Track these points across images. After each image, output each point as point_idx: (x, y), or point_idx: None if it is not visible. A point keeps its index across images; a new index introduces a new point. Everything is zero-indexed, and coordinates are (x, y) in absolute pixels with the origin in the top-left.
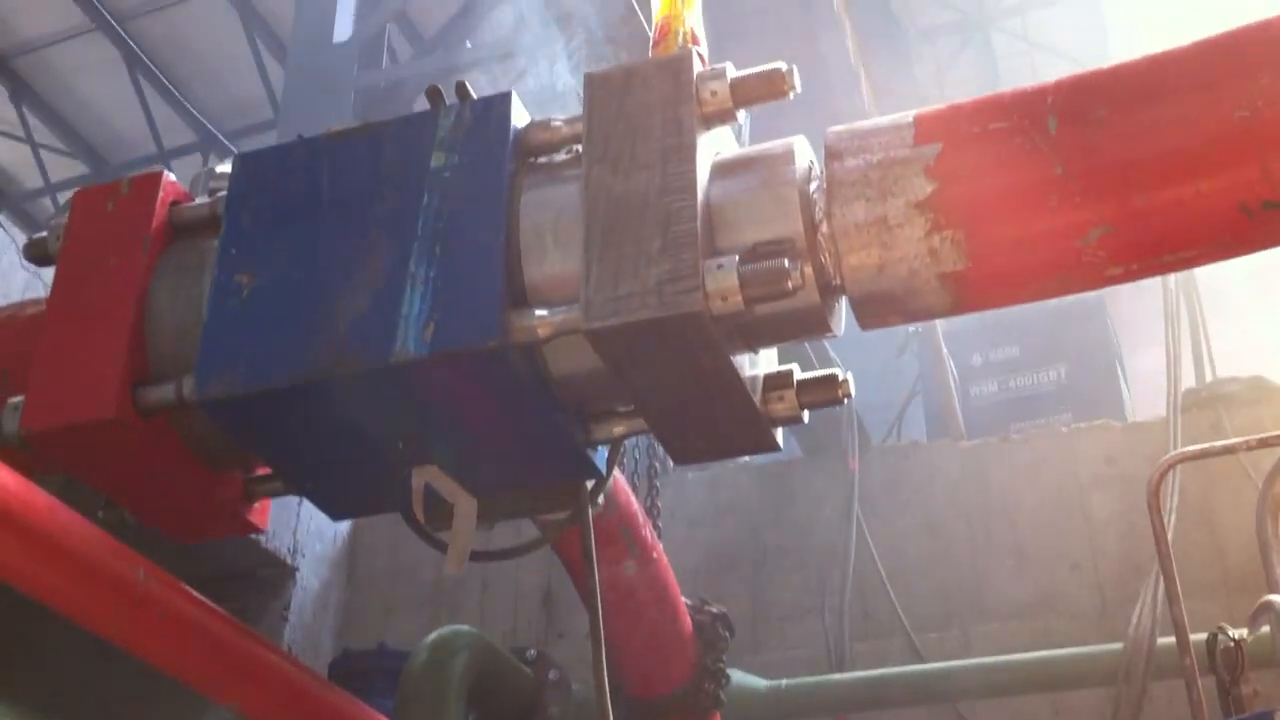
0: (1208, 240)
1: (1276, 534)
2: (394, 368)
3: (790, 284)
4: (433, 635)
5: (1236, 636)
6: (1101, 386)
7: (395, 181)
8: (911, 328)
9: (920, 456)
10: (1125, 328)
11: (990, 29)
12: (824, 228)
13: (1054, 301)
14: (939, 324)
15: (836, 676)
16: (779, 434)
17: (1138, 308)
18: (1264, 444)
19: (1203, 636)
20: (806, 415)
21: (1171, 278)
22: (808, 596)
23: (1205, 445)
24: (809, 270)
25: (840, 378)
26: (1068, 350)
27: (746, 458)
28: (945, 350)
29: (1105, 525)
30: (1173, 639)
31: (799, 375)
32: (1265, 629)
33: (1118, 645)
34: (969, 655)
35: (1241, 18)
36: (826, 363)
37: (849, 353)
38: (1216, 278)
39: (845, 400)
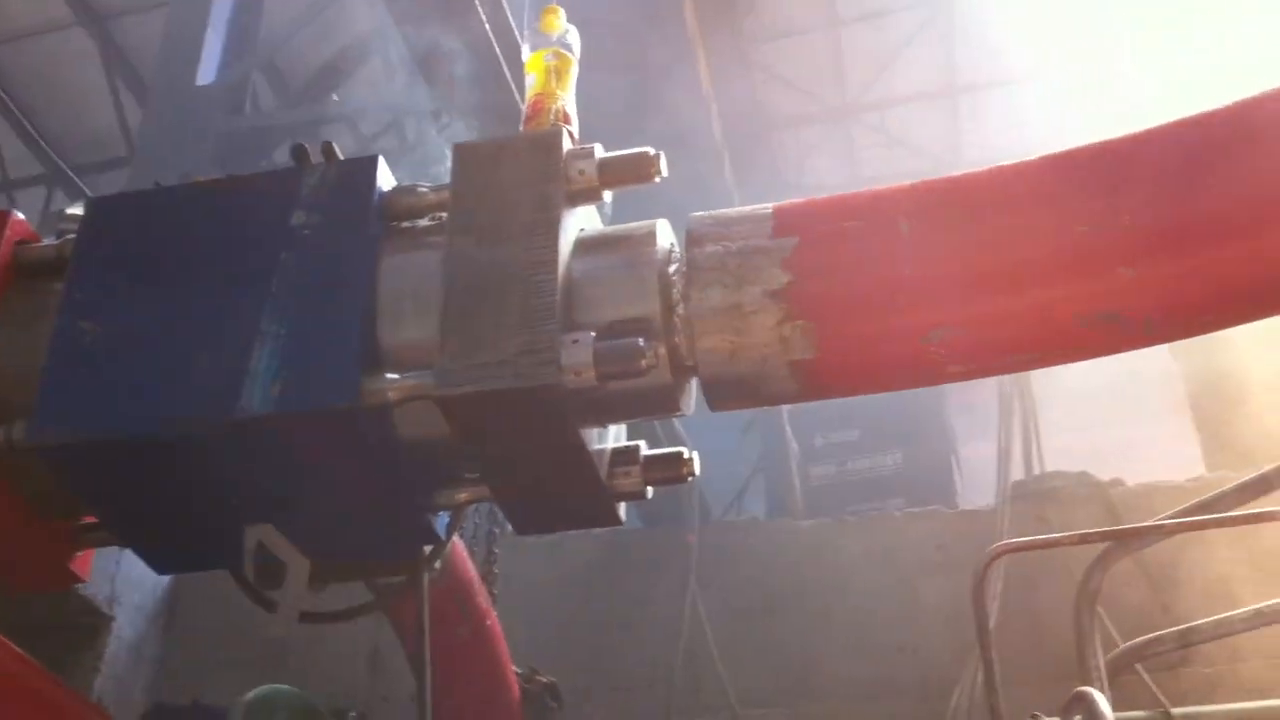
0: (1045, 346)
1: (1093, 627)
2: (237, 424)
3: (644, 363)
4: (250, 694)
5: None
6: (935, 474)
7: (253, 236)
8: None
9: (759, 533)
10: (961, 418)
11: (850, 122)
12: (681, 310)
13: None
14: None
15: None
16: (622, 508)
17: (975, 400)
18: (1085, 540)
19: None
20: (650, 491)
21: (1007, 375)
22: (640, 668)
23: (1029, 539)
24: (663, 350)
25: (685, 455)
26: (905, 437)
27: None
28: (789, 430)
29: (933, 610)
30: None
31: (645, 451)
32: (1077, 718)
33: None
34: None
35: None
36: (674, 438)
37: (695, 427)
38: (1051, 376)
39: (690, 478)
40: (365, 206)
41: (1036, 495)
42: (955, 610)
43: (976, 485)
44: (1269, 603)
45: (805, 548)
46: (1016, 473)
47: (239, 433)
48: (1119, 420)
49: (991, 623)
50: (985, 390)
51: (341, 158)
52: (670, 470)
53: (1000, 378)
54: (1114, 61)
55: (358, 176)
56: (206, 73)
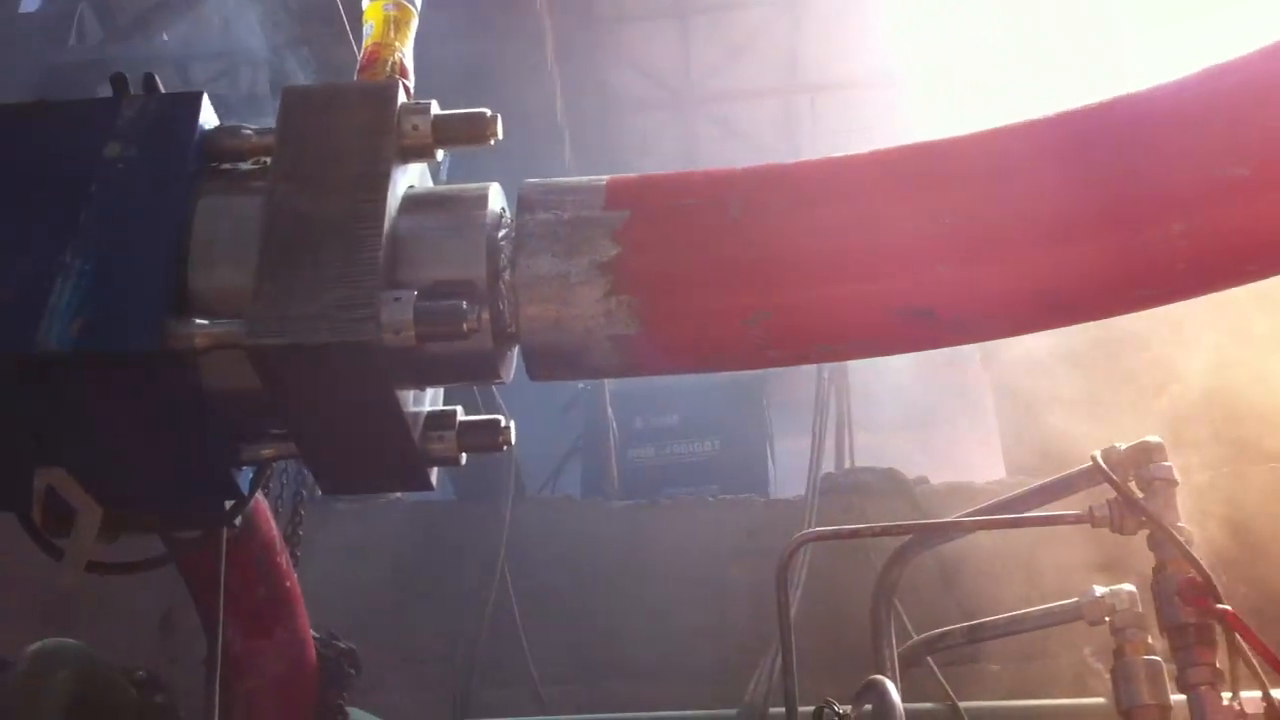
0: (861, 337)
1: (889, 618)
2: (31, 360)
3: (465, 326)
4: (35, 646)
5: (841, 711)
6: (751, 463)
7: (64, 166)
8: (581, 384)
9: (573, 511)
10: (780, 412)
11: (693, 112)
12: (507, 276)
13: (718, 376)
14: (607, 384)
15: None
16: (434, 474)
17: (794, 396)
18: (886, 532)
19: (811, 709)
20: (464, 458)
21: (825, 370)
22: (443, 640)
23: (833, 529)
24: (486, 315)
25: (502, 424)
26: (724, 425)
27: (399, 495)
28: (610, 411)
29: (739, 595)
30: (784, 709)
31: (461, 417)
32: (869, 707)
33: (733, 711)
34: (593, 711)
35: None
36: (494, 409)
37: (515, 402)
38: (869, 377)
39: (505, 447)
40: (184, 144)
41: (845, 489)
42: (760, 597)
43: (789, 478)
44: (1060, 603)
45: (618, 528)
46: (828, 467)
47: (33, 369)
48: (930, 423)
49: (794, 610)
50: (805, 387)
51: (163, 91)
52: (486, 438)
53: (819, 373)
54: (965, 70)
55: (178, 112)
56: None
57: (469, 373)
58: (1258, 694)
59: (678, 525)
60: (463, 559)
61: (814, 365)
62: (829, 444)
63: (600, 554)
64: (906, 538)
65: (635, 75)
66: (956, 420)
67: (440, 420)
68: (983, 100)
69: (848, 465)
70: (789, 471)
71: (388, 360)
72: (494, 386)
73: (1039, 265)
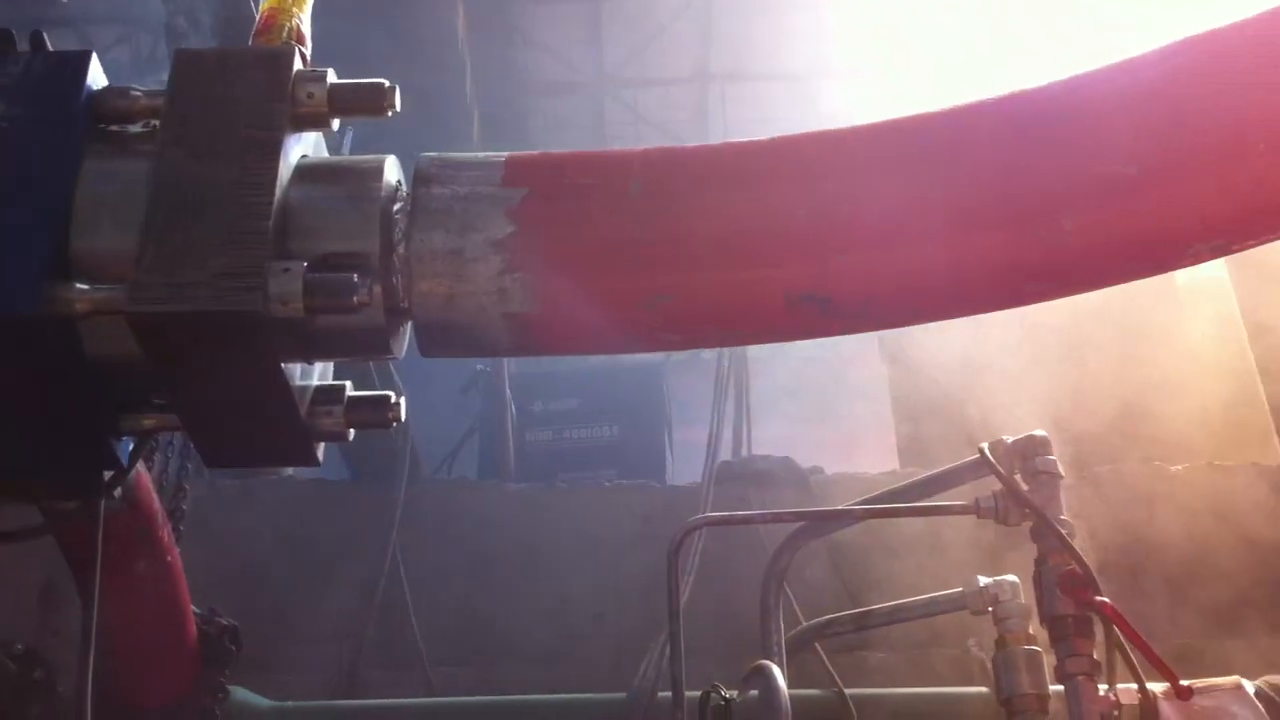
0: (757, 323)
1: (778, 604)
2: None
3: (356, 299)
4: None
5: (727, 695)
6: (649, 450)
7: None
8: (479, 365)
9: (468, 493)
10: (680, 399)
11: (604, 97)
12: (401, 249)
13: (618, 363)
14: (506, 366)
15: (343, 702)
16: (322, 450)
17: (694, 385)
18: (778, 518)
19: (699, 693)
20: (353, 433)
21: (725, 359)
22: (331, 621)
23: (726, 514)
24: (378, 289)
25: (392, 400)
26: (623, 411)
27: (291, 472)
28: (508, 393)
29: (633, 580)
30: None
31: (351, 392)
32: (754, 691)
33: (621, 695)
34: (483, 693)
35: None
36: (390, 388)
37: (414, 382)
38: (770, 369)
39: (395, 424)
40: (71, 103)
41: (741, 477)
42: (654, 582)
43: (687, 467)
44: (945, 592)
45: (513, 511)
46: (726, 455)
47: None
48: (829, 417)
49: (685, 596)
50: (706, 377)
51: (51, 49)
52: (375, 414)
53: (719, 362)
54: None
55: (66, 71)
56: None
57: (360, 347)
58: (1133, 685)
59: (574, 509)
60: (355, 539)
61: (714, 355)
62: (727, 433)
63: (495, 537)
64: (798, 524)
65: (547, 58)
66: (855, 414)
67: (329, 395)
68: (896, 96)
69: (745, 454)
70: (687, 460)
71: (274, 332)
72: (391, 366)
73: (933, 256)
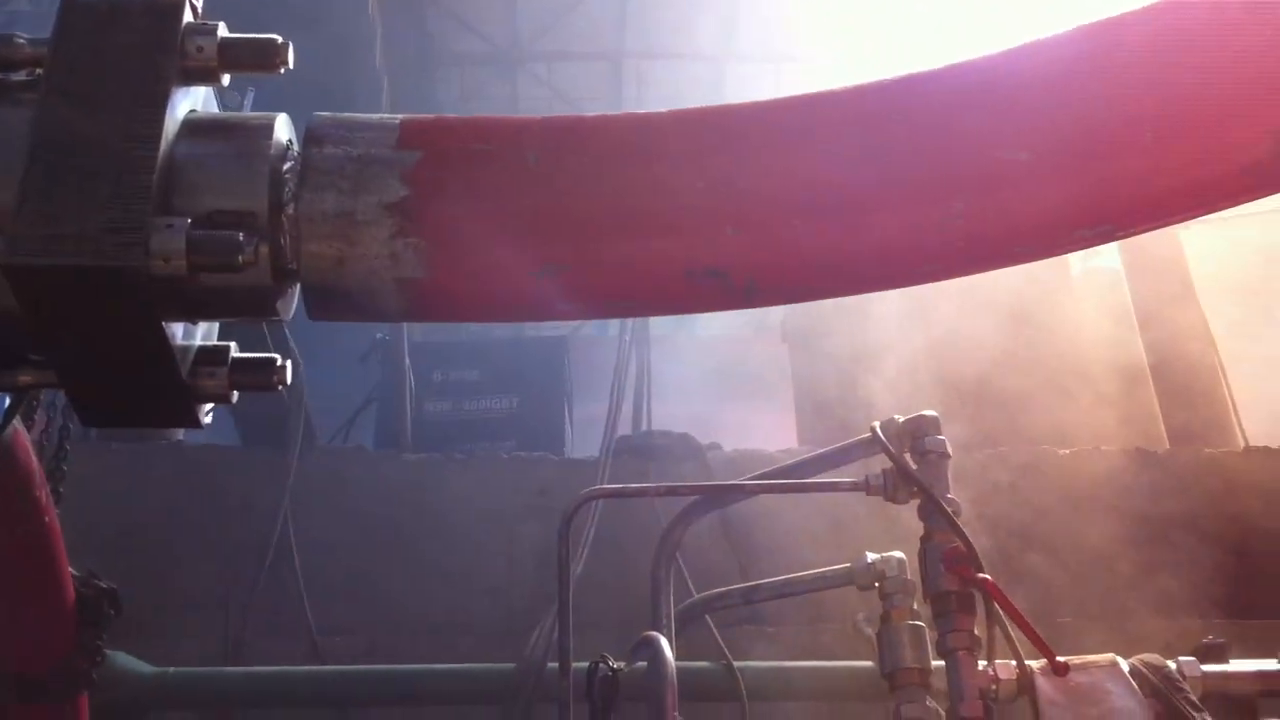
0: (653, 296)
1: (669, 577)
2: None
3: (241, 258)
4: None
5: (615, 666)
6: (548, 423)
7: None
8: (379, 333)
9: (363, 463)
10: (582, 377)
11: (517, 70)
12: (290, 210)
13: (520, 334)
14: (406, 335)
15: (227, 670)
16: (205, 412)
17: (597, 360)
18: (671, 491)
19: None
20: (236, 396)
21: (627, 333)
22: (219, 586)
23: (619, 486)
24: (265, 250)
25: (279, 363)
26: (523, 383)
27: (182, 435)
28: (408, 362)
29: (528, 552)
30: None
31: (235, 354)
32: (643, 663)
33: (511, 666)
34: (372, 663)
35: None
36: (285, 350)
37: (311, 349)
38: (671, 346)
39: (280, 387)
40: None
41: (639, 451)
42: (548, 554)
43: (586, 442)
44: (833, 567)
45: (409, 481)
46: (625, 430)
47: None
48: (731, 395)
49: (580, 569)
50: (608, 355)
51: None
52: (260, 376)
53: (620, 336)
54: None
55: None
56: None
57: (245, 308)
58: (1011, 661)
59: (470, 480)
60: (245, 506)
61: (616, 330)
62: (627, 409)
63: (390, 506)
64: (692, 498)
65: (461, 29)
66: (757, 394)
67: (212, 355)
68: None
69: (644, 429)
70: (587, 436)
71: (155, 289)
72: (287, 331)
73: (826, 235)
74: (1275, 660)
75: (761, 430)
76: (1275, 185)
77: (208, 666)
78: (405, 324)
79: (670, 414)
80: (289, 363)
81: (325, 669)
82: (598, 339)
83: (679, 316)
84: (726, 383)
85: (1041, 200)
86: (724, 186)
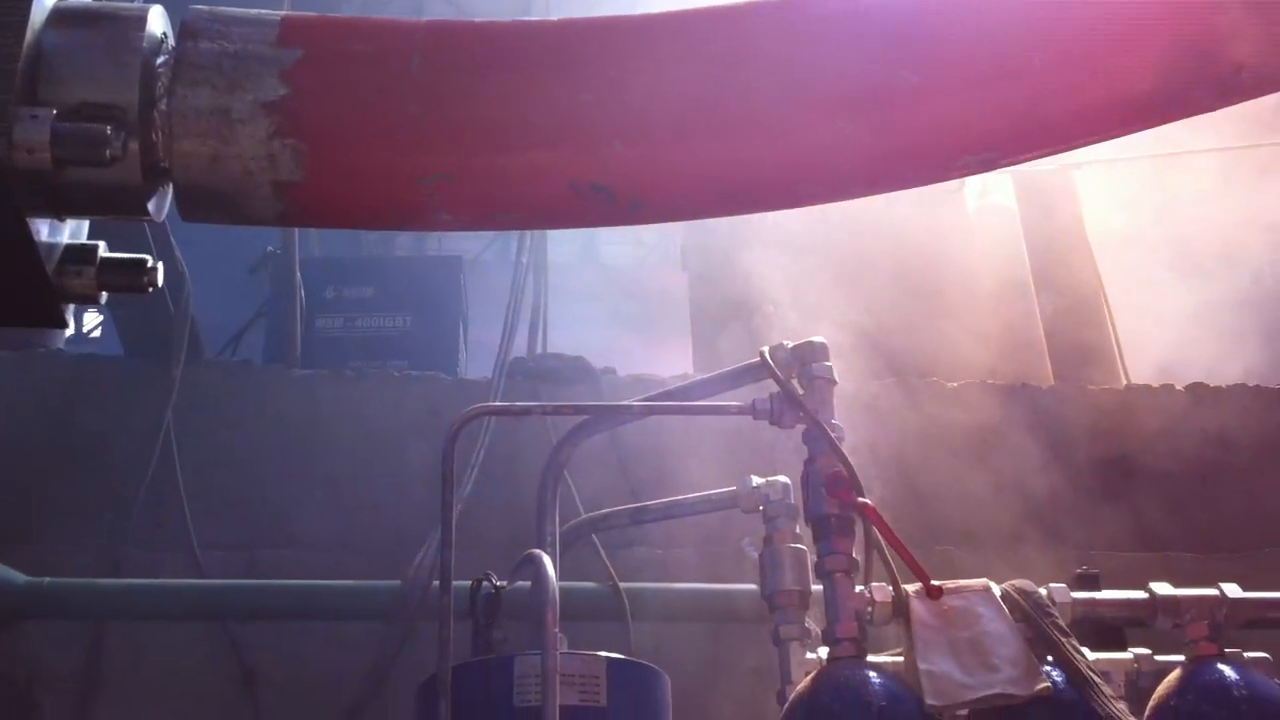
0: (537, 208)
1: (555, 497)
2: None
3: (108, 152)
4: None
5: (498, 584)
6: (442, 343)
7: None
8: (270, 246)
9: (251, 376)
10: (480, 300)
11: None
12: (162, 105)
13: (416, 253)
14: (297, 248)
15: (105, 581)
16: (70, 312)
17: (495, 285)
18: (558, 411)
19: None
20: (105, 297)
21: (525, 255)
22: (98, 499)
23: (505, 404)
24: (135, 145)
25: (149, 264)
26: (418, 302)
27: (62, 344)
28: (299, 276)
29: (416, 471)
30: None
31: (104, 254)
32: (528, 582)
33: (396, 583)
34: (254, 578)
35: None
36: (170, 264)
37: (199, 261)
38: (565, 275)
39: (150, 289)
40: None
41: (533, 374)
42: (437, 473)
43: (479, 366)
44: (718, 490)
45: (297, 397)
46: (520, 353)
47: None
48: (629, 323)
49: (469, 489)
50: (506, 281)
51: None
52: (130, 277)
53: (517, 258)
54: None
55: None
56: None
57: (114, 206)
58: (888, 585)
59: (360, 398)
60: (127, 418)
61: (514, 253)
62: (523, 335)
63: (277, 422)
64: (581, 418)
65: None
66: (655, 321)
67: (80, 255)
68: None
69: (539, 352)
70: (480, 360)
71: (19, 182)
72: (172, 240)
73: (711, 152)
74: (1144, 591)
75: (659, 359)
76: (1157, 116)
77: (85, 578)
78: (297, 238)
79: (568, 341)
80: (160, 265)
81: (205, 582)
82: (497, 264)
83: (582, 245)
84: (626, 312)
85: (928, 123)
86: (612, 100)
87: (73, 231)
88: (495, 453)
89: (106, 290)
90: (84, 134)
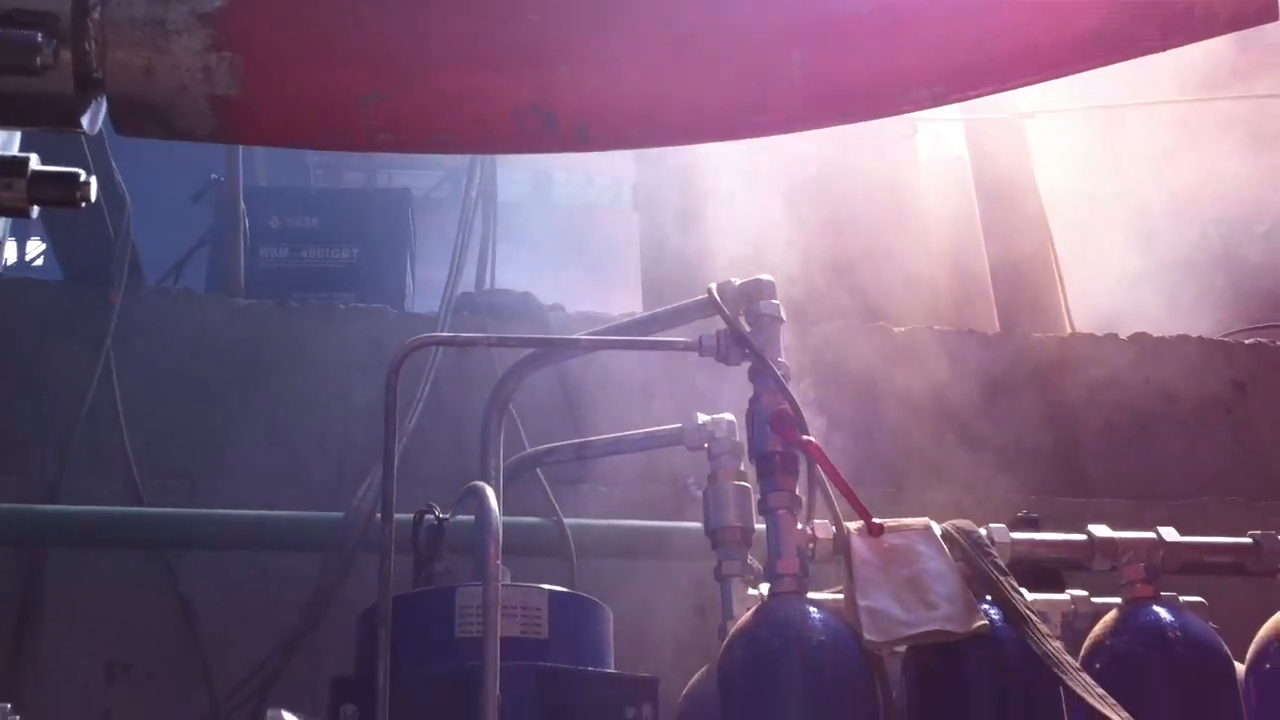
0: (480, 133)
1: (499, 430)
2: None
3: (39, 60)
4: None
5: (441, 516)
6: (389, 277)
7: None
8: (213, 173)
9: (191, 305)
10: (429, 238)
11: None
12: (96, 14)
13: (364, 184)
14: (241, 176)
15: (43, 507)
16: (3, 224)
17: (446, 224)
18: (503, 343)
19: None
20: (35, 210)
21: (475, 190)
22: (36, 426)
23: (450, 335)
24: (67, 55)
25: (82, 179)
26: (365, 234)
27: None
28: (243, 205)
29: (361, 405)
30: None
31: (36, 166)
32: (471, 518)
33: (338, 515)
34: (194, 505)
35: None
36: (112, 188)
37: (142, 189)
38: (516, 216)
39: (84, 203)
40: None
41: (480, 309)
42: (381, 409)
43: (428, 303)
44: (663, 427)
45: (240, 328)
46: (468, 289)
47: None
48: (580, 265)
49: (413, 424)
50: (455, 219)
51: None
52: (63, 190)
53: (466, 191)
54: None
55: None
56: None
57: (46, 116)
58: (830, 523)
59: (304, 329)
60: (66, 344)
61: (462, 185)
62: (470, 266)
63: (218, 353)
64: (527, 351)
65: None
66: (607, 263)
67: (10, 166)
68: None
69: (487, 288)
70: (429, 299)
71: None
72: (114, 164)
73: (659, 80)
74: (1082, 534)
75: (609, 300)
76: (1106, 54)
77: (21, 504)
78: (241, 165)
79: (517, 281)
80: (93, 179)
81: (145, 510)
82: (448, 201)
83: (533, 185)
84: (577, 252)
85: (879, 55)
86: (559, 21)
87: (3, 144)
88: (441, 391)
89: (38, 204)
90: (13, 41)
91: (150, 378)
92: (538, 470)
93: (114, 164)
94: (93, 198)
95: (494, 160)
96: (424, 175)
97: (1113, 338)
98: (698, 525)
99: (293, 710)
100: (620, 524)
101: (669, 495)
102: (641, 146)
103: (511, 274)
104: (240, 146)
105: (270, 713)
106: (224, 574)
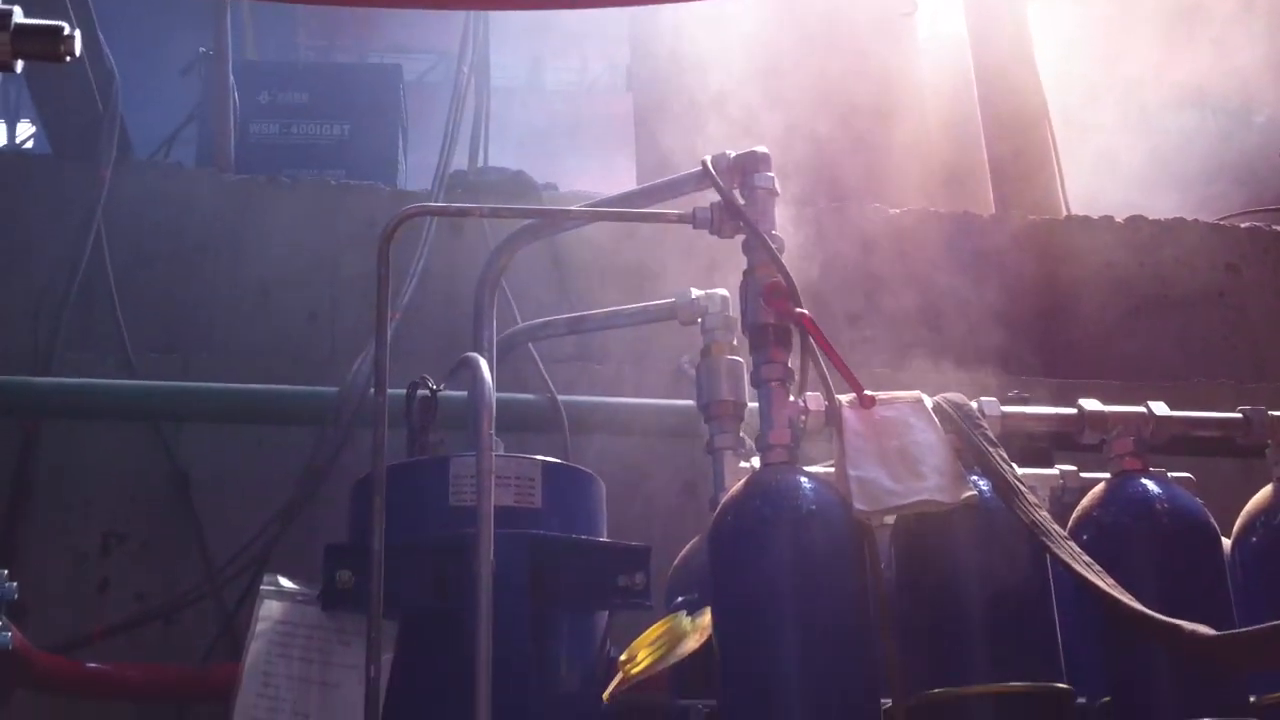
0: None
1: (492, 303)
2: None
3: None
4: None
5: (434, 387)
6: (381, 154)
7: None
8: (202, 47)
9: (181, 180)
10: (422, 121)
11: None
12: None
13: (354, 59)
14: (230, 49)
15: (38, 379)
16: None
17: (439, 108)
18: (495, 214)
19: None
20: (20, 65)
21: (467, 65)
22: (26, 299)
23: (441, 205)
24: None
25: (66, 32)
26: (357, 109)
27: None
28: (232, 80)
29: (353, 280)
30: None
31: (19, 19)
32: (464, 392)
33: (334, 389)
34: (186, 380)
35: None
36: (101, 67)
37: (133, 61)
38: (513, 97)
39: (68, 58)
40: None
41: (473, 186)
42: (374, 286)
43: (420, 182)
44: (656, 302)
45: (230, 202)
46: (461, 165)
47: None
48: (575, 148)
49: (406, 299)
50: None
51: None
52: (46, 45)
53: (459, 66)
54: None
55: None
56: None
57: None
58: (822, 396)
59: (295, 206)
60: (56, 218)
61: (454, 66)
62: (462, 143)
63: (209, 227)
64: (522, 223)
65: None
66: (602, 145)
67: None
68: None
69: (480, 165)
70: (421, 178)
71: None
72: (101, 39)
73: None
74: (1073, 408)
75: (604, 180)
76: None
77: (15, 376)
78: (230, 38)
79: (511, 163)
80: (78, 33)
81: (139, 383)
82: (441, 86)
83: (526, 64)
84: (571, 134)
85: None
86: None
87: None
88: (436, 270)
89: (22, 58)
90: None
91: (141, 252)
92: (531, 347)
93: (101, 38)
94: (77, 51)
95: (487, 35)
96: (417, 58)
97: (1108, 220)
98: (690, 403)
99: (289, 578)
100: (613, 401)
101: (663, 374)
102: (641, 4)
103: (506, 160)
104: (228, 15)
105: (266, 578)
106: (220, 447)
